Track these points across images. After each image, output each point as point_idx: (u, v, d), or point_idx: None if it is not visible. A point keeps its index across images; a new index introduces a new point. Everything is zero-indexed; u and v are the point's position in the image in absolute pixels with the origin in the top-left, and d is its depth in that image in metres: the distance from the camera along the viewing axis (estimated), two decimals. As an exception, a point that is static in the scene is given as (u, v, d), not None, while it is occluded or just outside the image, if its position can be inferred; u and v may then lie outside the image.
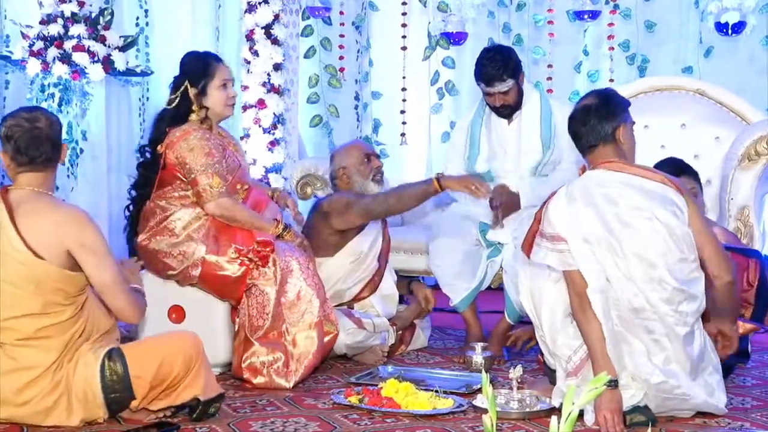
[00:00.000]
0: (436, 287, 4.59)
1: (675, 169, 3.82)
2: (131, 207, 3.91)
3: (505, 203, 4.28)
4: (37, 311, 2.91)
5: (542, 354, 3.62)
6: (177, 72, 3.95)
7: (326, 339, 3.78)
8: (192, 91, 3.84)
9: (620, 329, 3.08)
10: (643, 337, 3.08)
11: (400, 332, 4.33)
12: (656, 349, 3.08)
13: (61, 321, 2.94)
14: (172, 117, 3.85)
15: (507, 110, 4.33)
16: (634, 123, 3.35)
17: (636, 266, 3.06)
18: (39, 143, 2.97)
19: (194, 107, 3.84)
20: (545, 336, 3.26)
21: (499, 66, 4.21)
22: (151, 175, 3.84)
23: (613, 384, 3.00)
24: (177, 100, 3.85)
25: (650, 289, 3.06)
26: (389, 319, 4.28)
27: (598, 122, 3.22)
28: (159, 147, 3.81)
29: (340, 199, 4.23)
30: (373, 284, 4.33)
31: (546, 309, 3.23)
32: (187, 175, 3.75)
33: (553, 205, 3.16)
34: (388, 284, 4.41)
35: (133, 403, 3.04)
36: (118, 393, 2.99)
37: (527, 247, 3.24)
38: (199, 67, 3.88)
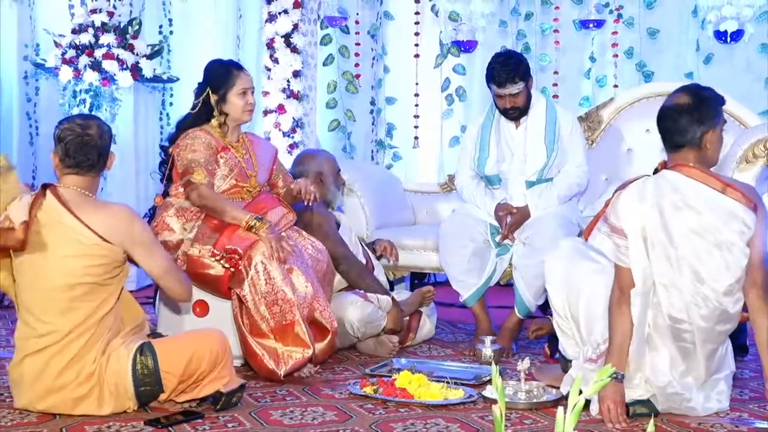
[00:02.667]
0: (446, 283, 4.59)
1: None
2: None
3: (514, 222, 4.28)
4: (74, 305, 2.94)
5: (549, 346, 3.63)
6: (200, 78, 3.97)
7: (320, 344, 3.68)
8: (213, 98, 3.87)
9: (651, 332, 3.02)
10: (670, 344, 3.02)
11: (407, 318, 4.31)
12: (679, 359, 3.02)
13: (96, 315, 2.97)
14: (193, 121, 3.90)
15: (516, 113, 4.33)
16: (725, 122, 3.11)
17: (686, 278, 2.97)
18: (87, 149, 3.01)
19: (215, 112, 3.88)
20: (577, 326, 3.22)
21: (510, 69, 4.20)
22: (164, 172, 3.94)
23: (619, 377, 2.98)
24: (199, 106, 3.90)
25: (693, 303, 2.97)
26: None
27: (689, 124, 2.98)
28: (171, 147, 3.90)
29: (330, 231, 4.24)
30: (368, 269, 4.40)
31: (584, 300, 3.18)
32: (179, 169, 3.81)
33: (624, 198, 3.00)
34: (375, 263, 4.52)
35: (162, 396, 3.05)
36: (148, 386, 3.00)
37: (588, 231, 3.11)
38: (220, 75, 3.90)
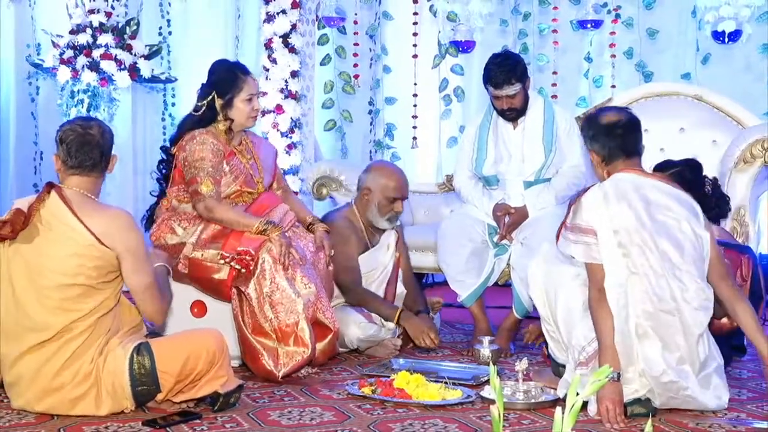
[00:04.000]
0: (444, 283, 4.59)
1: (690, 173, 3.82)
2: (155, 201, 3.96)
3: (512, 222, 4.27)
4: (72, 306, 2.94)
5: (547, 347, 3.61)
6: (201, 79, 3.92)
7: (321, 344, 3.68)
8: (218, 102, 3.81)
9: (642, 322, 3.04)
10: (663, 332, 3.04)
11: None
12: (673, 347, 3.04)
13: (91, 316, 2.96)
14: (196, 123, 3.84)
15: (513, 113, 4.32)
16: None
17: (663, 260, 3.05)
18: (89, 149, 3.01)
19: (219, 117, 3.83)
20: (558, 330, 3.24)
21: (507, 70, 4.20)
22: (165, 173, 3.89)
23: (616, 377, 2.99)
24: (203, 109, 3.83)
25: (676, 286, 3.04)
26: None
27: (641, 136, 3.28)
28: (173, 148, 3.85)
29: (339, 257, 4.12)
30: (389, 297, 4.31)
31: (562, 304, 3.22)
32: (186, 176, 3.77)
33: (587, 201, 3.12)
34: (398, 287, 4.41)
35: (159, 396, 3.05)
36: (145, 386, 3.00)
37: (557, 236, 3.24)
38: (227, 79, 3.83)
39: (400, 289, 4.38)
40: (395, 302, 4.32)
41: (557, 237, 3.24)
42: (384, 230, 4.37)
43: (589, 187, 3.19)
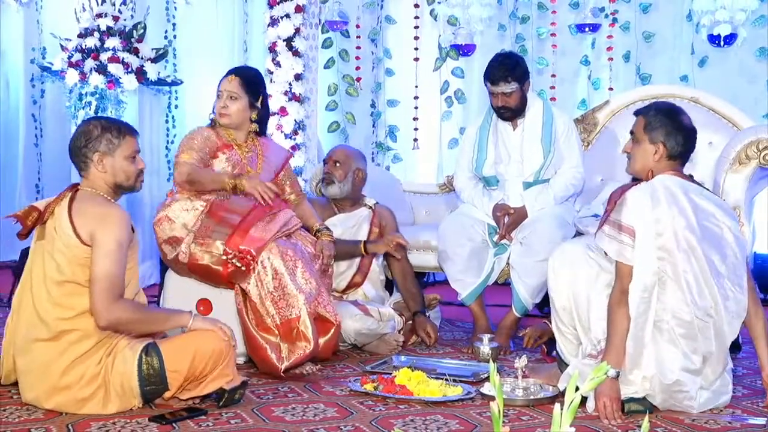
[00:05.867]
0: (445, 282, 4.59)
1: None
2: None
3: (512, 222, 4.27)
4: (68, 304, 2.95)
5: (546, 344, 3.61)
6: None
7: (324, 338, 3.68)
8: None
9: (673, 327, 3.02)
10: (693, 339, 3.02)
11: (410, 322, 4.32)
12: (697, 356, 3.03)
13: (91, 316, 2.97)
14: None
15: (508, 113, 4.32)
16: None
17: (708, 267, 3.03)
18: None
19: None
20: (585, 329, 3.21)
21: (506, 68, 4.21)
22: None
23: (615, 375, 2.98)
24: None
25: (717, 293, 3.03)
26: (399, 311, 4.29)
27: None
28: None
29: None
30: (362, 270, 4.41)
31: (594, 311, 3.18)
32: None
33: (632, 200, 3.04)
34: (373, 266, 4.48)
35: (166, 394, 3.05)
36: (154, 386, 3.00)
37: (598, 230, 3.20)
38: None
39: (373, 269, 4.47)
40: (369, 283, 4.43)
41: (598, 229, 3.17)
42: (356, 205, 4.54)
43: (633, 184, 3.12)
